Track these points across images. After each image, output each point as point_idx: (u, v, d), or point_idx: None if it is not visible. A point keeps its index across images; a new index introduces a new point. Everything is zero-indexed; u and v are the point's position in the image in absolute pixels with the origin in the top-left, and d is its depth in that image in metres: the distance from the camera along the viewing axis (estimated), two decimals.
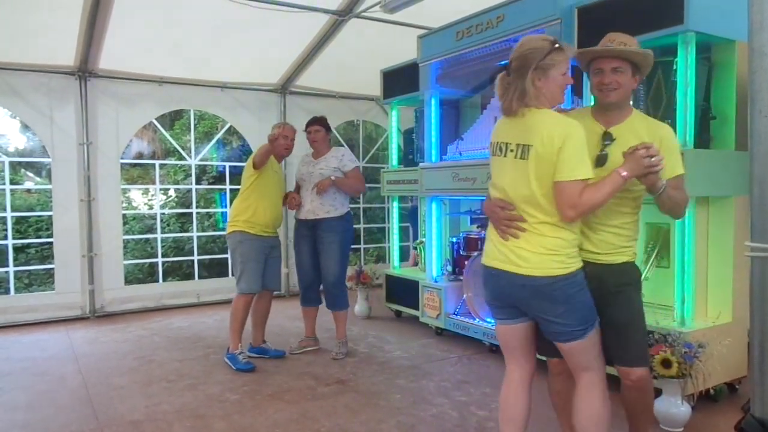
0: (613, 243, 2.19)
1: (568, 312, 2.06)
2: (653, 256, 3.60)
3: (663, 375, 2.81)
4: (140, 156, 9.34)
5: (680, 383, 2.81)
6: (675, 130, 3.15)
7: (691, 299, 3.16)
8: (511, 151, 2.08)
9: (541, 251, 2.03)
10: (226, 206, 6.85)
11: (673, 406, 2.85)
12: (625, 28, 3.23)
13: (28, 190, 8.71)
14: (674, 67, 3.17)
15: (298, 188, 4.39)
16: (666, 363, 2.80)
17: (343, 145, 7.33)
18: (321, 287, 4.35)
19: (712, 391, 3.16)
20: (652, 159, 1.97)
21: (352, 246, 7.35)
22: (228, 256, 6.26)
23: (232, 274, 4.23)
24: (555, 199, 1.99)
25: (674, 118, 3.15)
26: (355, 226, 7.77)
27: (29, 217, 7.97)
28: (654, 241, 3.62)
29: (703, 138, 3.25)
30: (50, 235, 5.76)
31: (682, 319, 3.14)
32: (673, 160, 2.13)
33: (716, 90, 3.32)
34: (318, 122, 4.32)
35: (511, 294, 2.13)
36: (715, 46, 3.29)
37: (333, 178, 4.16)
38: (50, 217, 5.69)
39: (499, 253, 2.12)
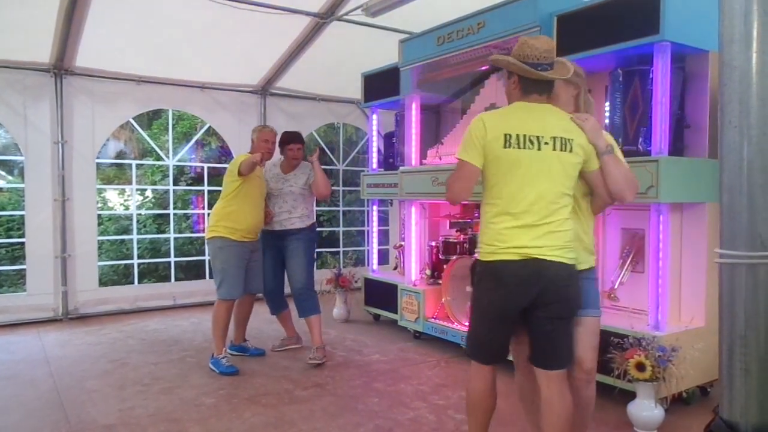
0: None
1: None
2: (628, 261, 3.66)
3: (637, 378, 2.85)
4: (117, 156, 9.21)
5: (654, 386, 2.86)
6: (650, 138, 3.21)
7: (665, 303, 3.21)
8: None
9: None
10: (204, 208, 6.79)
11: (646, 408, 2.90)
12: (603, 37, 3.32)
13: (0, 189, 8.52)
14: (650, 76, 3.23)
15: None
16: (640, 366, 2.84)
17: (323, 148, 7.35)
18: (289, 293, 4.36)
19: (684, 394, 3.22)
20: None
21: (330, 249, 7.44)
22: (205, 258, 6.21)
23: (210, 277, 4.19)
24: None
25: (650, 125, 3.21)
26: (334, 228, 7.86)
27: (0, 216, 7.80)
28: (629, 246, 3.68)
29: (677, 146, 3.32)
30: (22, 235, 5.65)
31: (656, 323, 3.20)
32: None
33: (690, 99, 3.40)
34: (299, 140, 4.33)
35: None
36: (689, 56, 3.36)
37: (315, 159, 4.19)
38: (22, 216, 5.58)
39: None
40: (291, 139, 4.31)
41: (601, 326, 2.36)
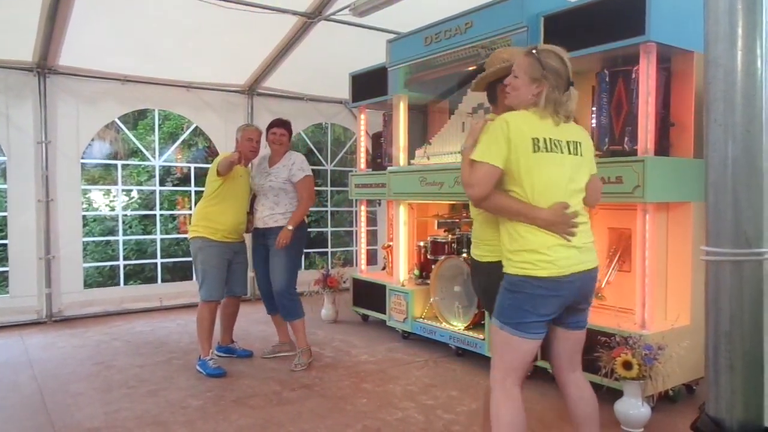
0: None
1: None
2: (615, 261, 3.68)
3: (624, 377, 2.87)
4: (102, 156, 9.12)
5: (641, 385, 2.87)
6: (636, 138, 3.24)
7: (651, 302, 3.23)
8: (565, 147, 2.12)
9: (592, 240, 2.21)
10: (191, 209, 6.74)
11: (633, 407, 2.91)
12: (589, 37, 3.34)
13: None
14: (634, 76, 3.26)
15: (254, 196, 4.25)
16: (627, 365, 2.86)
17: (307, 150, 7.33)
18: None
19: (670, 392, 3.24)
20: None
21: (318, 250, 7.42)
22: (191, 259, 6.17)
23: (196, 279, 4.16)
24: (590, 190, 2.19)
25: (635, 125, 3.24)
26: (322, 229, 7.83)
27: None
28: (616, 245, 3.70)
29: (662, 145, 3.35)
30: (4, 237, 5.56)
31: (642, 321, 3.22)
32: None
33: (675, 99, 3.43)
34: (284, 125, 4.18)
35: (581, 293, 2.14)
36: (674, 56, 3.39)
37: (290, 227, 3.97)
38: (5, 217, 5.50)
39: (581, 255, 2.10)
40: (273, 123, 4.18)
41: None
